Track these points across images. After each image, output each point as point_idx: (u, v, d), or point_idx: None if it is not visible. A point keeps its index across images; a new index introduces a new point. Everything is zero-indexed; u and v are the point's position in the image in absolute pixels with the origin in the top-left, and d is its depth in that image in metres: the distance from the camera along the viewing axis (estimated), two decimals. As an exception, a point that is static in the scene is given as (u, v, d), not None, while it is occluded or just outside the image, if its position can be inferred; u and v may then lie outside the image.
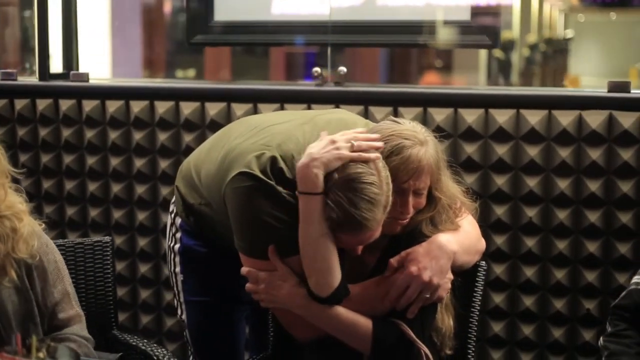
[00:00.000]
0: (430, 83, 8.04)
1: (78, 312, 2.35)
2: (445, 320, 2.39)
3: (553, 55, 9.71)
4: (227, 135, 2.50)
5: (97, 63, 6.20)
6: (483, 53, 9.07)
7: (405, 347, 2.23)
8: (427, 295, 2.23)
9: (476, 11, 3.07)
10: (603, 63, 9.44)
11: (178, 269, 2.64)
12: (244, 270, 2.30)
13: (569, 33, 10.01)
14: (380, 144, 2.16)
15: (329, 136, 2.18)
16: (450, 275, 2.30)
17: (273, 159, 2.22)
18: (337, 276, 2.17)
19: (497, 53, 9.20)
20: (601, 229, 2.95)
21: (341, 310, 2.22)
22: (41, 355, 1.86)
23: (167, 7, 8.35)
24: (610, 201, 2.93)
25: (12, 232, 2.21)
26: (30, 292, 2.27)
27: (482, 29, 3.06)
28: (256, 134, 2.35)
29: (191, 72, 7.41)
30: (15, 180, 2.30)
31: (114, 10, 7.19)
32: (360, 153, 2.12)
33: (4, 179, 2.24)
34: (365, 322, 2.23)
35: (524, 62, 9.60)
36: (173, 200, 2.65)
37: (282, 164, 2.21)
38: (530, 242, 3.02)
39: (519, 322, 3.08)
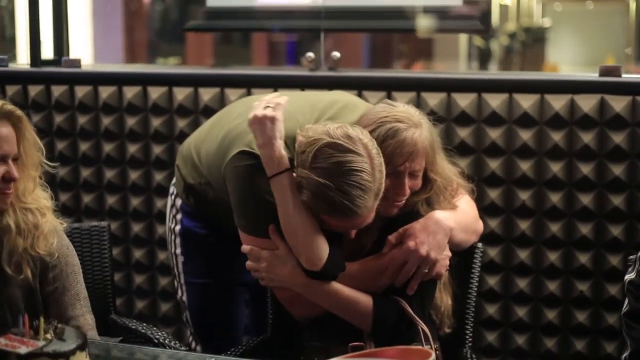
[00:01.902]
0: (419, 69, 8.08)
1: (88, 322, 2.30)
2: (444, 299, 2.44)
3: (532, 43, 9.79)
4: (227, 115, 2.53)
5: (78, 49, 6.18)
6: (463, 41, 9.14)
7: (405, 324, 2.27)
8: (426, 270, 2.26)
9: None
10: (580, 51, 9.52)
11: (178, 251, 2.67)
12: (246, 248, 2.32)
13: (547, 22, 10.08)
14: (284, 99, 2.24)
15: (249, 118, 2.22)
16: (448, 252, 2.34)
17: None
18: (323, 249, 2.20)
19: (477, 41, 9.26)
20: (594, 212, 2.99)
21: (341, 288, 2.25)
22: (48, 336, 1.87)
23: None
24: (602, 184, 2.97)
25: (34, 227, 2.19)
26: (38, 294, 2.25)
27: (473, 15, 3.08)
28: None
29: (172, 60, 7.39)
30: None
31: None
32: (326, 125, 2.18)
33: (36, 171, 2.23)
34: (365, 299, 2.26)
35: (504, 51, 9.67)
36: (173, 181, 2.67)
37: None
38: (523, 225, 3.05)
39: (513, 304, 3.11)
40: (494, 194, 3.06)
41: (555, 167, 2.99)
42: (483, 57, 9.54)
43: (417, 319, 2.27)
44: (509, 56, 9.66)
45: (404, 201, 2.26)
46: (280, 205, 2.20)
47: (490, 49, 9.58)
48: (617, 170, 2.95)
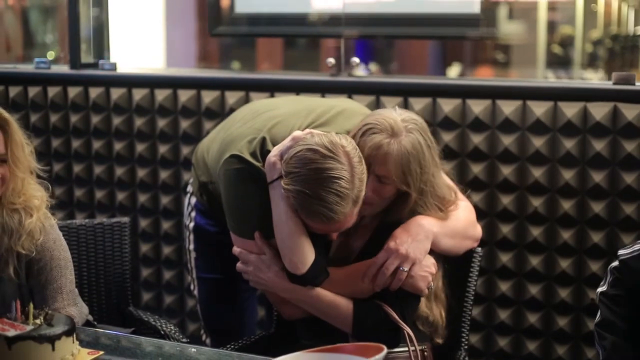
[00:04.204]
0: (486, 76, 8.03)
1: (70, 314, 2.34)
2: (434, 309, 2.44)
3: (621, 51, 9.57)
4: (232, 118, 2.64)
5: (150, 54, 6.38)
6: (542, 48, 9.02)
7: (387, 327, 2.31)
8: (405, 269, 2.29)
9: (485, 5, 3.13)
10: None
11: (192, 247, 2.79)
12: (235, 250, 2.41)
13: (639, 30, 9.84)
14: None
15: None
16: (432, 269, 2.34)
17: (263, 141, 2.33)
18: (308, 255, 2.27)
19: (555, 49, 9.12)
20: (605, 220, 2.98)
21: (322, 292, 2.32)
22: (38, 321, 2.00)
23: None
24: (614, 192, 2.96)
25: (19, 225, 2.28)
26: (25, 287, 2.35)
27: (492, 22, 3.11)
28: (254, 118, 2.48)
29: (235, 65, 7.55)
30: (48, 165, 2.38)
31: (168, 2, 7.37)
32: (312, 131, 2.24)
33: (27, 173, 2.33)
34: (346, 303, 2.32)
35: (588, 58, 9.49)
36: (190, 180, 2.79)
37: (270, 147, 2.31)
38: (536, 232, 3.07)
39: (525, 310, 3.13)
40: (506, 200, 3.08)
41: (568, 175, 3.00)
42: (562, 65, 9.38)
43: (401, 322, 2.31)
44: (593, 64, 9.48)
45: (367, 201, 2.26)
46: (273, 209, 2.29)
47: (569, 56, 9.42)
48: (629, 178, 2.93)
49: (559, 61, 9.39)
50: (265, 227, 2.32)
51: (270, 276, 2.35)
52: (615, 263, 2.13)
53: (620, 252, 2.14)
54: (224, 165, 2.38)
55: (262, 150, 2.32)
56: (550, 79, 6.88)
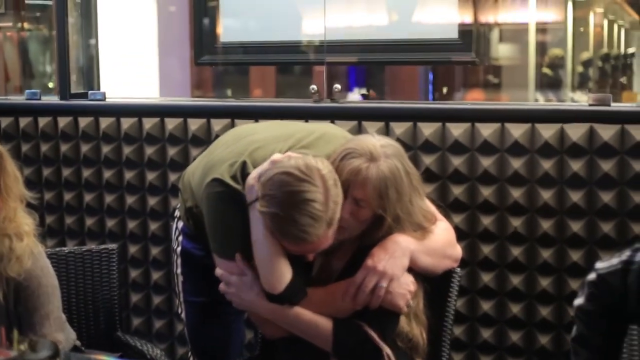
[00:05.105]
0: (475, 99, 8.11)
1: (56, 340, 2.37)
2: (414, 329, 2.47)
3: (611, 71, 9.65)
4: (216, 144, 2.70)
5: (144, 82, 6.45)
6: (532, 70, 9.09)
7: (367, 347, 2.35)
8: (384, 285, 2.33)
9: (463, 29, 3.20)
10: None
11: (179, 270, 2.83)
12: (218, 272, 2.47)
13: (630, 50, 9.92)
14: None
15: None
16: (410, 287, 2.39)
17: (243, 165, 2.39)
18: (285, 275, 2.32)
19: (546, 70, 9.20)
20: (584, 238, 3.03)
21: (301, 313, 2.37)
22: (22, 347, 2.05)
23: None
24: (592, 211, 3.02)
25: (9, 251, 2.37)
26: (12, 313, 2.41)
27: (469, 46, 3.18)
28: (235, 142, 2.54)
29: (229, 92, 7.63)
30: (39, 194, 2.46)
31: (161, 32, 7.45)
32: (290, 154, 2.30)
33: (17, 202, 2.43)
34: (325, 323, 2.37)
35: (578, 78, 9.56)
36: (178, 205, 2.85)
37: (250, 170, 2.37)
38: (516, 251, 3.12)
39: (507, 329, 3.17)
40: (487, 220, 3.13)
41: (546, 195, 3.05)
42: (552, 87, 9.45)
43: (380, 342, 2.36)
44: (582, 84, 9.55)
45: (343, 225, 2.30)
46: (252, 230, 2.34)
47: (559, 77, 9.49)
48: (607, 197, 2.98)
49: (550, 82, 9.47)
50: (246, 248, 2.37)
51: (251, 297, 2.40)
52: (592, 276, 2.09)
53: (598, 265, 2.10)
54: (206, 188, 2.44)
55: (243, 174, 2.38)
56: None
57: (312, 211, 2.19)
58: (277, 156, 2.33)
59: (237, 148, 2.50)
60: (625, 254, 2.04)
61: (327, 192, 2.21)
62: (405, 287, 2.38)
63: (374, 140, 2.38)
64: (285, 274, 2.33)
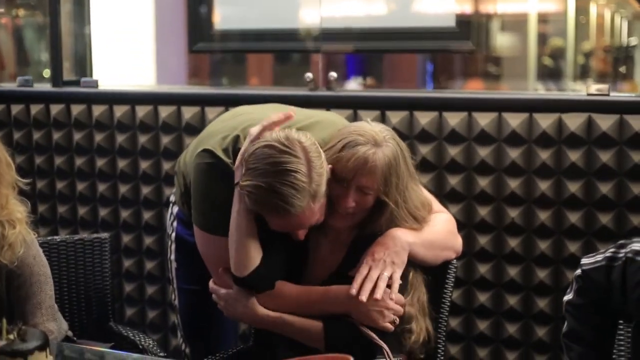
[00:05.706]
0: (475, 89, 8.06)
1: (48, 329, 2.38)
2: (420, 322, 2.43)
3: (613, 62, 9.61)
4: (214, 121, 2.68)
5: (140, 70, 6.40)
6: (533, 60, 9.05)
7: (362, 343, 2.31)
8: (387, 275, 2.30)
9: (461, 18, 3.16)
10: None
11: (173, 257, 2.81)
12: (211, 284, 2.47)
13: (633, 41, 9.88)
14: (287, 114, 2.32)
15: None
16: (397, 308, 2.32)
17: (236, 139, 2.37)
18: (253, 259, 2.29)
19: (546, 61, 9.16)
20: (582, 230, 3.00)
21: (290, 319, 2.35)
22: (11, 337, 2.02)
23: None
24: (590, 202, 2.98)
25: (1, 238, 2.34)
26: (5, 301, 2.39)
27: (467, 35, 3.14)
28: (232, 118, 2.52)
29: (226, 80, 7.59)
30: (31, 182, 2.44)
31: (158, 19, 7.40)
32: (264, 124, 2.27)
33: (9, 189, 2.40)
34: (315, 325, 2.33)
35: (580, 70, 9.51)
36: (174, 190, 2.81)
37: (242, 144, 2.34)
38: (513, 243, 3.09)
39: (504, 321, 3.15)
40: (483, 211, 3.10)
41: (544, 186, 3.02)
42: (553, 77, 9.41)
43: (375, 337, 2.32)
44: (583, 76, 9.51)
45: (349, 212, 2.29)
46: (232, 209, 2.32)
47: (560, 68, 9.45)
48: (605, 188, 2.95)
49: (550, 73, 9.43)
50: (227, 224, 2.34)
51: (240, 309, 2.39)
52: (579, 271, 2.09)
53: (583, 261, 2.10)
54: (196, 158, 2.42)
55: (234, 148, 2.36)
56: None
57: (295, 182, 2.16)
58: (253, 129, 2.30)
59: (232, 123, 2.48)
60: (610, 251, 2.04)
61: (309, 164, 2.19)
62: (392, 307, 2.33)
63: (370, 126, 2.35)
64: (253, 258, 2.30)
